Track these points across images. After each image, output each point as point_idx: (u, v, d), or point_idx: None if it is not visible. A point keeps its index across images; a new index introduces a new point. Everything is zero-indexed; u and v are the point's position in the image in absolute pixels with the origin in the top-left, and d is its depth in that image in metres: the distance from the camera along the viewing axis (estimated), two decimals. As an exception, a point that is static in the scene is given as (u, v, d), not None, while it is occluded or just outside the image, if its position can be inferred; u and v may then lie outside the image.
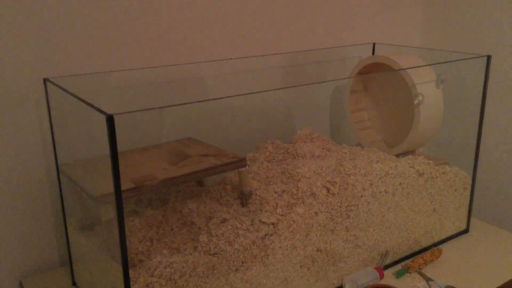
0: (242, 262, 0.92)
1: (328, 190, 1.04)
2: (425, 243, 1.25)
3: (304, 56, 1.47)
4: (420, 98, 1.21)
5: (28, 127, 1.05)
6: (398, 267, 1.17)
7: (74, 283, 1.08)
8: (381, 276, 1.11)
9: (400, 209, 1.16)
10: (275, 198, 1.04)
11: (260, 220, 0.97)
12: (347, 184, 1.06)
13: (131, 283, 0.80)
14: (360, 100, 1.48)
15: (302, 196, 1.02)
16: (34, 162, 1.08)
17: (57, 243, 1.15)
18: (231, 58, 1.32)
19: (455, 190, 1.27)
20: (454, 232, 1.32)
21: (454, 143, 1.41)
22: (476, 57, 1.22)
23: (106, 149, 0.72)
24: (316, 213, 1.01)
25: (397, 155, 1.27)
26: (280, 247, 0.97)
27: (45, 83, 0.98)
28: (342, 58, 1.55)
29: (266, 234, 0.95)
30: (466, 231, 1.34)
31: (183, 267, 0.85)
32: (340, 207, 1.04)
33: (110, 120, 0.70)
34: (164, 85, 1.22)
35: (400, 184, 1.14)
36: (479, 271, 1.15)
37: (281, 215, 0.99)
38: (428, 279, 1.11)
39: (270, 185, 1.10)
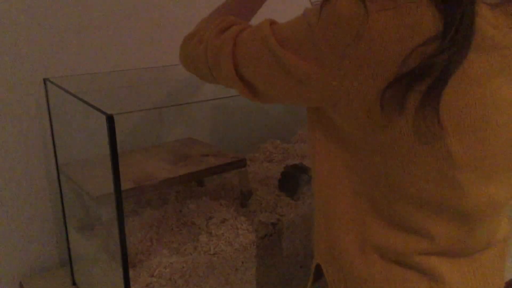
0: (242, 262, 0.92)
1: (328, 190, 1.04)
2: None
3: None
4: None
5: (28, 127, 1.05)
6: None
7: (74, 283, 1.08)
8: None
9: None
10: (275, 198, 1.04)
11: (260, 220, 0.97)
12: (347, 184, 1.06)
13: (131, 283, 0.80)
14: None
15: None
16: (34, 162, 1.08)
17: (57, 243, 1.15)
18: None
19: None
20: (454, 232, 1.31)
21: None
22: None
23: (106, 149, 0.72)
24: (316, 213, 1.01)
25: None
26: (280, 247, 0.97)
27: (45, 83, 0.98)
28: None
29: (266, 234, 0.95)
30: (466, 231, 1.34)
31: (183, 267, 0.85)
32: (340, 207, 1.04)
33: (110, 120, 0.70)
34: (164, 85, 1.22)
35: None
36: (479, 271, 1.15)
37: (281, 215, 0.99)
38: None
39: (269, 185, 1.10)
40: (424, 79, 0.50)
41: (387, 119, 0.54)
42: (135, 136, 1.18)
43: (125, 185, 0.85)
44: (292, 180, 1.09)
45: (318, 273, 0.71)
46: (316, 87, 0.58)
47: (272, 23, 0.64)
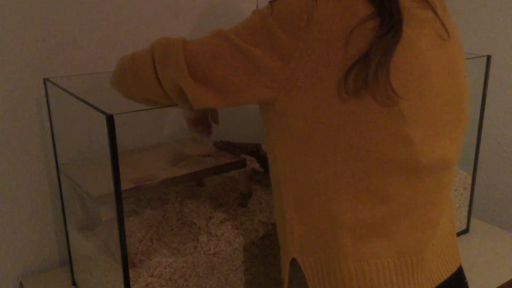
0: (242, 262, 0.92)
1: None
2: (425, 243, 1.25)
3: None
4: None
5: (28, 127, 1.05)
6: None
7: (74, 283, 1.08)
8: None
9: (400, 209, 1.15)
10: (275, 198, 1.04)
11: (260, 220, 0.97)
12: (347, 184, 1.06)
13: (131, 283, 0.80)
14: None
15: (302, 196, 1.02)
16: (34, 162, 1.08)
17: (57, 243, 1.15)
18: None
19: (455, 190, 1.27)
20: (454, 232, 1.32)
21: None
22: (476, 57, 1.22)
23: (106, 149, 0.72)
24: (316, 213, 1.01)
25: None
26: (280, 247, 0.97)
27: (45, 83, 0.99)
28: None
29: (266, 234, 0.95)
30: (466, 231, 1.34)
31: (183, 267, 0.85)
32: (340, 207, 1.04)
33: (110, 120, 0.70)
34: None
35: (400, 184, 1.14)
36: (479, 271, 1.15)
37: (281, 215, 0.99)
38: (428, 279, 1.11)
39: (269, 185, 1.10)
40: (375, 56, 0.60)
41: (351, 95, 0.62)
42: (135, 136, 1.19)
43: (125, 185, 0.85)
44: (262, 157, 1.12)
45: (292, 268, 0.76)
46: (273, 73, 0.64)
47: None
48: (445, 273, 0.75)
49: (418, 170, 0.67)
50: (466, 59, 0.77)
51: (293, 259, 0.75)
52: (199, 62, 0.66)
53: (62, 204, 1.05)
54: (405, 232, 0.68)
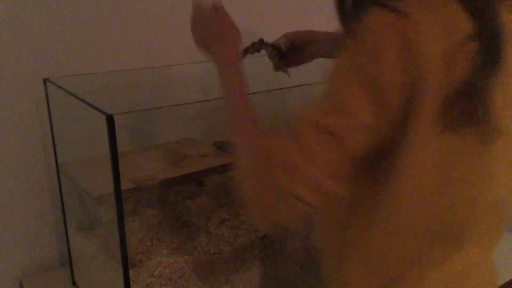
0: (242, 262, 0.92)
1: (328, 190, 1.04)
2: (425, 243, 1.24)
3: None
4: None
5: (28, 127, 1.05)
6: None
7: (74, 283, 1.08)
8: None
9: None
10: (275, 198, 1.04)
11: (260, 220, 0.97)
12: (347, 184, 1.05)
13: (131, 283, 0.80)
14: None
15: (302, 196, 1.02)
16: (34, 162, 1.08)
17: (57, 243, 1.15)
18: (231, 58, 1.32)
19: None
20: (454, 232, 1.31)
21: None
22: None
23: (106, 149, 0.72)
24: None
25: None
26: (280, 247, 0.97)
27: (45, 83, 0.98)
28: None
29: (266, 234, 0.95)
30: (466, 231, 1.34)
31: (183, 267, 0.85)
32: (340, 207, 1.04)
33: (110, 120, 0.70)
34: (164, 85, 1.22)
35: (400, 184, 1.14)
36: (479, 271, 1.15)
37: (281, 215, 0.98)
38: (428, 279, 1.11)
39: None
40: (474, 90, 0.52)
41: (446, 130, 0.54)
42: (135, 136, 1.18)
43: (125, 185, 0.85)
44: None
45: None
46: (376, 121, 0.54)
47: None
48: None
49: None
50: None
51: None
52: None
53: (62, 204, 1.05)
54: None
